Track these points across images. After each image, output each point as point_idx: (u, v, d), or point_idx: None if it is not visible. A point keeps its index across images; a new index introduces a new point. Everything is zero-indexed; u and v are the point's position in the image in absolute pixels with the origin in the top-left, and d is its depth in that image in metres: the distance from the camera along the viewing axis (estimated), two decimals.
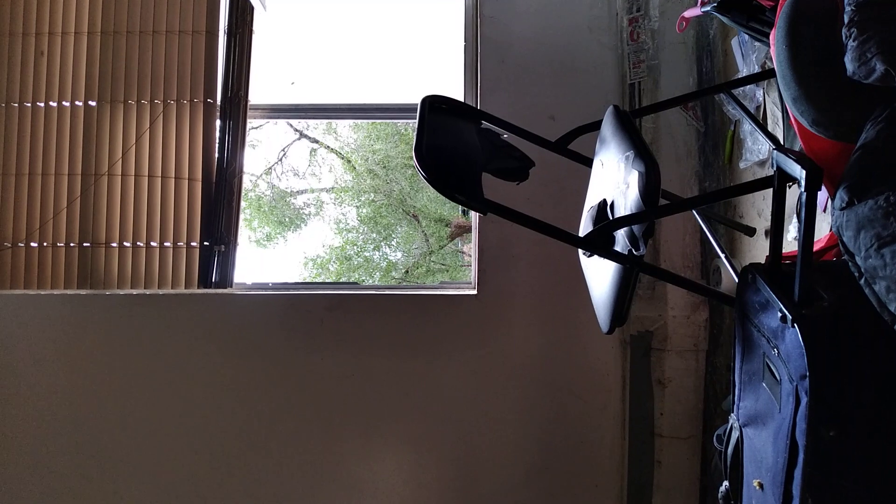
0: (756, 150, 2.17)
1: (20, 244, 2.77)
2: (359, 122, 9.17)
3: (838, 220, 1.02)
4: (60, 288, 2.77)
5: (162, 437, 2.69)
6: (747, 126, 2.24)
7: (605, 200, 1.47)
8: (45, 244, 2.78)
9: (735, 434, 1.30)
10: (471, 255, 3.01)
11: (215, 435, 2.70)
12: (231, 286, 2.79)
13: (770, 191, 1.17)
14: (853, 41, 1.02)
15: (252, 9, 2.83)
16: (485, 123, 1.74)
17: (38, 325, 2.71)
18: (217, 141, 2.81)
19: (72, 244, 2.78)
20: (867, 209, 0.97)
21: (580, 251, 1.58)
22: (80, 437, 2.69)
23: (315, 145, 9.71)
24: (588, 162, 1.74)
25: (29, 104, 2.81)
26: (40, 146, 2.80)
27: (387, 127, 9.27)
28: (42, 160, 2.79)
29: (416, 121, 1.50)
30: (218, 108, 2.81)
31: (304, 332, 2.71)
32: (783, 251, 1.18)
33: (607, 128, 1.57)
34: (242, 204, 2.90)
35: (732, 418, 1.31)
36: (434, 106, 1.61)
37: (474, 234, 2.79)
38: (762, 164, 2.15)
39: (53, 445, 2.69)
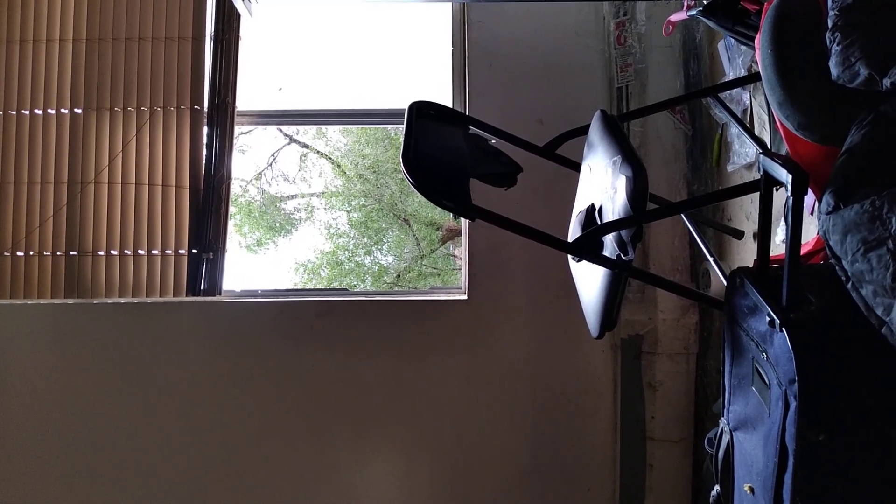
0: (743, 153, 2.18)
1: (6, 253, 2.74)
2: (348, 126, 9.17)
3: (825, 224, 1.03)
4: (47, 297, 2.74)
5: (152, 445, 2.67)
6: (734, 129, 2.24)
7: (593, 205, 1.47)
8: (31, 253, 2.75)
9: (725, 438, 1.30)
10: (462, 259, 3.01)
11: (205, 442, 2.67)
12: (220, 294, 2.77)
13: (758, 194, 1.17)
14: (837, 45, 1.03)
15: (238, 15, 2.81)
16: (473, 129, 1.74)
17: (25, 335, 2.68)
18: (204, 148, 2.79)
19: (59, 253, 2.75)
20: (853, 213, 0.97)
21: (569, 256, 1.58)
22: (69, 446, 2.66)
23: (305, 150, 9.68)
24: (576, 166, 1.74)
25: (14, 111, 2.79)
26: (26, 154, 2.78)
27: (376, 131, 9.27)
28: (28, 168, 2.77)
29: (404, 127, 1.50)
30: (205, 115, 2.80)
31: (294, 339, 2.69)
32: (771, 254, 1.19)
33: (595, 132, 1.58)
34: (232, 210, 2.90)
35: (723, 422, 1.31)
36: (421, 112, 1.61)
37: (464, 240, 2.79)
38: (750, 167, 2.16)
39: (43, 455, 2.66)
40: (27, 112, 2.79)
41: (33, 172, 2.77)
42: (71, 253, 2.75)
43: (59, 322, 2.69)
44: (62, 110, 2.79)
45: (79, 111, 2.79)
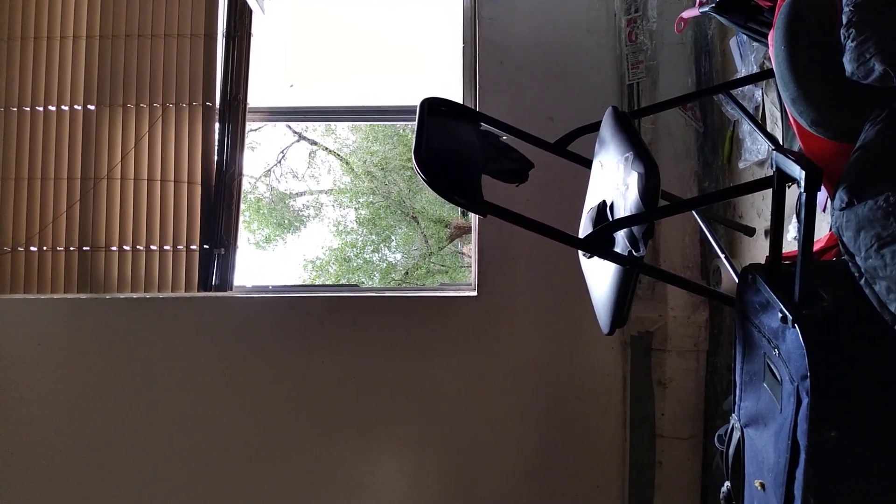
0: (755, 150, 2.17)
1: (20, 248, 2.77)
2: (357, 123, 9.19)
3: (838, 220, 1.02)
4: (60, 292, 2.76)
5: (162, 439, 2.69)
6: (746, 126, 2.24)
7: (604, 202, 1.47)
8: (44, 248, 2.78)
9: (736, 434, 1.30)
10: (470, 256, 3.01)
11: (215, 437, 2.69)
12: (231, 289, 2.79)
13: (770, 191, 1.17)
14: (852, 41, 1.02)
15: (250, 12, 2.83)
16: (484, 125, 1.74)
17: (38, 330, 2.71)
18: (216, 144, 2.81)
19: (71, 248, 2.78)
20: (867, 209, 0.97)
21: (580, 252, 1.59)
22: (79, 439, 2.69)
23: (314, 147, 9.71)
24: (587, 163, 1.74)
25: (28, 108, 2.81)
26: (40, 150, 2.80)
27: (385, 128, 9.28)
28: (41, 164, 2.79)
29: (416, 123, 1.50)
30: (217, 112, 2.81)
31: (303, 335, 2.71)
32: (783, 251, 1.18)
33: (606, 129, 1.58)
34: (242, 206, 2.90)
35: (733, 419, 1.31)
36: (433, 108, 1.61)
37: (474, 236, 2.79)
38: (761, 164, 2.15)
39: (53, 448, 2.69)
40: (41, 108, 2.81)
41: (47, 168, 2.79)
42: (84, 248, 2.78)
43: (71, 316, 2.72)
44: (75, 107, 2.81)
45: (92, 108, 2.81)
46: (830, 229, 1.08)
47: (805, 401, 0.99)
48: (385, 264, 9.93)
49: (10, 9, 2.81)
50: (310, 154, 9.77)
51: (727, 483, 1.33)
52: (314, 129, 9.59)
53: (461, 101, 2.84)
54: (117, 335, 2.71)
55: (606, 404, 2.70)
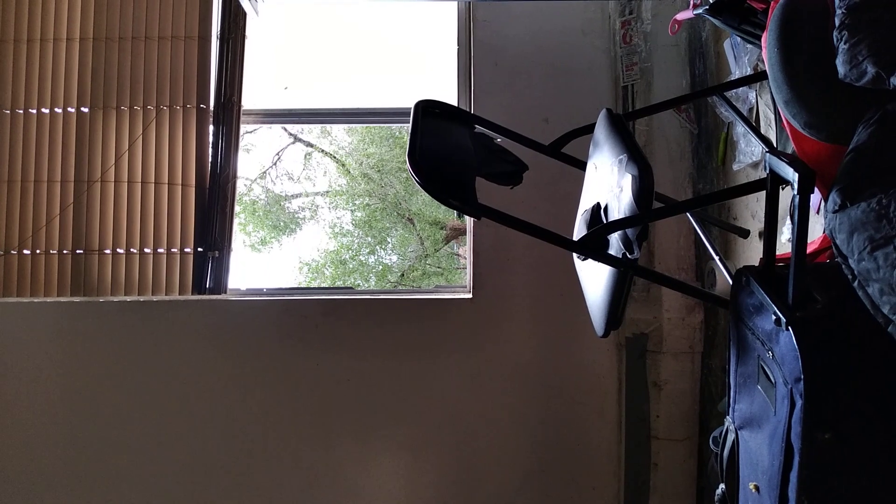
0: (749, 151, 2.17)
1: (13, 251, 2.76)
2: (353, 125, 9.18)
3: (831, 222, 1.02)
4: (54, 295, 2.75)
5: (157, 443, 2.68)
6: (740, 128, 2.24)
7: (598, 204, 1.47)
8: (38, 251, 2.76)
9: (731, 437, 1.29)
10: (466, 258, 3.01)
11: (211, 441, 2.68)
12: (225, 292, 2.78)
13: (763, 193, 1.17)
14: (844, 44, 1.02)
15: (245, 14, 2.82)
16: (478, 127, 1.74)
17: (31, 333, 2.69)
18: (210, 146, 2.80)
19: (65, 251, 2.76)
20: (860, 212, 0.97)
21: (575, 254, 1.58)
22: (74, 443, 2.67)
23: (309, 149, 9.69)
24: (582, 165, 1.74)
25: (21, 110, 2.80)
26: (33, 152, 2.79)
27: (381, 130, 9.27)
28: (35, 167, 2.78)
29: (410, 125, 1.50)
30: (211, 114, 2.80)
31: (299, 338, 2.70)
32: (777, 253, 1.18)
33: (601, 131, 1.58)
34: (237, 209, 2.90)
35: (728, 421, 1.31)
36: (427, 110, 1.61)
37: (469, 238, 2.79)
38: (755, 165, 2.16)
39: (48, 452, 2.68)
40: (34, 111, 2.80)
41: (40, 171, 2.78)
42: (77, 251, 2.77)
43: (65, 320, 2.70)
44: (69, 109, 2.80)
45: (85, 110, 2.80)
46: (824, 231, 1.08)
47: (799, 403, 0.99)
48: (381, 266, 9.92)
49: (3, 11, 2.80)
50: (305, 156, 9.75)
51: (722, 485, 1.33)
52: (310, 132, 9.57)
53: (456, 103, 2.84)
54: (111, 338, 2.69)
55: (602, 406, 2.70)
